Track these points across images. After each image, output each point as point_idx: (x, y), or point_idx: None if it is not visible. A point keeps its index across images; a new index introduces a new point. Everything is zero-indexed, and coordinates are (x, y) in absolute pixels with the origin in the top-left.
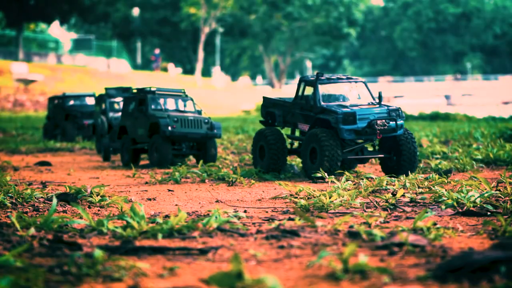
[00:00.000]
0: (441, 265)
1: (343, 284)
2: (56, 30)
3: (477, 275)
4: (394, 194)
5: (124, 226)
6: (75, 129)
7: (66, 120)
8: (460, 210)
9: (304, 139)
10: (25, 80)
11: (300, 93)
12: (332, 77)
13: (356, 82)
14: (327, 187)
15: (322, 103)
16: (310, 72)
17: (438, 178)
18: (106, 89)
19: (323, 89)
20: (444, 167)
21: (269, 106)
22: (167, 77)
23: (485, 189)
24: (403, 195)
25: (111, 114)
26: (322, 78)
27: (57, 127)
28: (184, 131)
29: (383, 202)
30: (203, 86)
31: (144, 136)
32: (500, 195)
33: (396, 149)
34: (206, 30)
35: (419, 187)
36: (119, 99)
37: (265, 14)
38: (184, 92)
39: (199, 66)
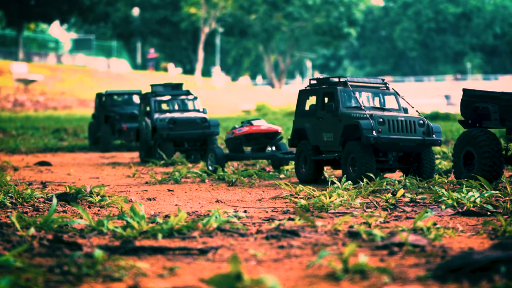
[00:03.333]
0: (441, 265)
1: (343, 284)
2: (56, 30)
3: (477, 275)
4: (394, 194)
5: (124, 226)
6: (111, 134)
7: (106, 122)
8: (460, 210)
9: None
10: (25, 80)
11: None
12: None
13: None
14: (327, 187)
15: None
16: (310, 72)
17: (438, 178)
18: (152, 86)
19: None
20: (444, 167)
21: (476, 101)
22: (167, 77)
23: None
24: (403, 195)
25: (156, 116)
26: None
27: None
28: (394, 137)
29: (383, 202)
30: (203, 86)
31: (334, 143)
32: (500, 195)
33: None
34: (206, 30)
35: (419, 187)
36: (167, 98)
37: (265, 14)
38: (385, 82)
39: (199, 66)
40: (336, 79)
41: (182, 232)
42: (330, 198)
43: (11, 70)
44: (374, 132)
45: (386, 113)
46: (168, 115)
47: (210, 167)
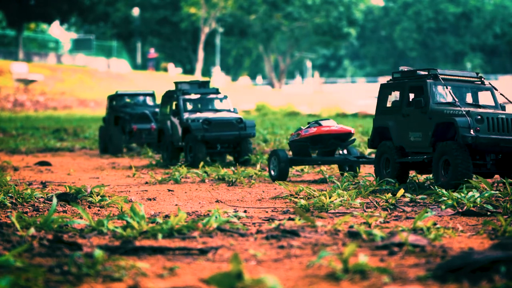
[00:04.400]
0: (441, 265)
1: (343, 284)
2: (56, 30)
3: (477, 275)
4: (394, 194)
5: (124, 226)
6: (121, 136)
7: (116, 124)
8: (460, 210)
9: None
10: (25, 80)
11: None
12: None
13: None
14: (327, 187)
15: None
16: (310, 72)
17: None
18: (177, 83)
19: None
20: None
21: None
22: (167, 77)
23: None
24: (403, 195)
25: (186, 115)
26: None
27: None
28: (495, 137)
29: (383, 202)
30: None
31: (423, 143)
32: (500, 195)
33: None
34: (206, 30)
35: (419, 187)
36: (195, 96)
37: (265, 14)
38: (480, 76)
39: (199, 66)
40: (425, 72)
41: (182, 232)
42: (330, 198)
43: (11, 70)
44: (471, 131)
45: (484, 110)
46: (199, 115)
47: (272, 172)
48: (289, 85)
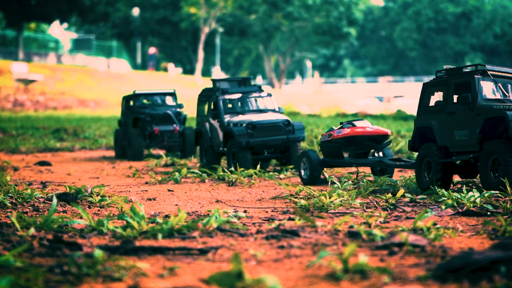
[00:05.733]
0: (441, 265)
1: (343, 284)
2: (56, 30)
3: (477, 275)
4: (394, 194)
5: (124, 226)
6: (141, 138)
7: (134, 126)
8: (460, 210)
9: None
10: (25, 80)
11: None
12: None
13: None
14: (327, 187)
15: None
16: (310, 72)
17: None
18: (215, 81)
19: None
20: None
21: None
22: (167, 77)
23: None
24: (403, 195)
25: (227, 118)
26: None
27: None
28: None
29: (383, 202)
30: (204, 86)
31: (469, 141)
32: (500, 195)
33: None
34: (206, 30)
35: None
36: (235, 96)
37: (265, 14)
38: None
39: (199, 66)
40: (470, 68)
41: (182, 232)
42: (330, 198)
43: (11, 70)
44: None
45: None
46: (241, 117)
47: (303, 174)
48: (289, 85)
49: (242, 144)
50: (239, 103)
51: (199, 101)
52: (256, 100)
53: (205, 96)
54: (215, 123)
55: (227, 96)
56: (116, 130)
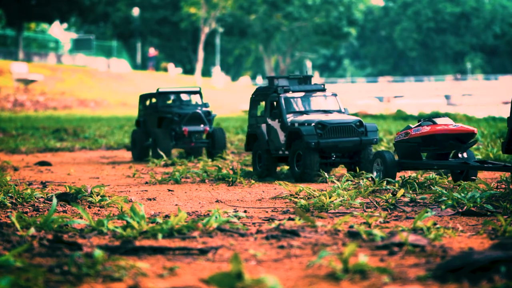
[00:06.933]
0: (441, 265)
1: (343, 284)
2: (56, 30)
3: (477, 275)
4: (394, 194)
5: (124, 226)
6: (169, 139)
7: (159, 127)
8: (460, 210)
9: None
10: (25, 80)
11: None
12: None
13: None
14: (327, 187)
15: None
16: (310, 72)
17: (438, 178)
18: (272, 78)
19: None
20: None
21: None
22: (167, 77)
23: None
24: (403, 195)
25: (290, 118)
26: None
27: (150, 137)
28: None
29: (383, 202)
30: (203, 86)
31: None
32: (500, 195)
33: None
34: (206, 30)
35: (419, 187)
36: (299, 94)
37: (265, 14)
38: None
39: (199, 66)
40: None
41: (182, 232)
42: (330, 198)
43: (11, 70)
44: None
45: None
46: (306, 117)
47: (375, 176)
48: None
49: (311, 145)
50: (302, 103)
51: (252, 101)
52: (320, 100)
53: (261, 95)
54: (274, 123)
55: (289, 95)
56: (134, 130)
